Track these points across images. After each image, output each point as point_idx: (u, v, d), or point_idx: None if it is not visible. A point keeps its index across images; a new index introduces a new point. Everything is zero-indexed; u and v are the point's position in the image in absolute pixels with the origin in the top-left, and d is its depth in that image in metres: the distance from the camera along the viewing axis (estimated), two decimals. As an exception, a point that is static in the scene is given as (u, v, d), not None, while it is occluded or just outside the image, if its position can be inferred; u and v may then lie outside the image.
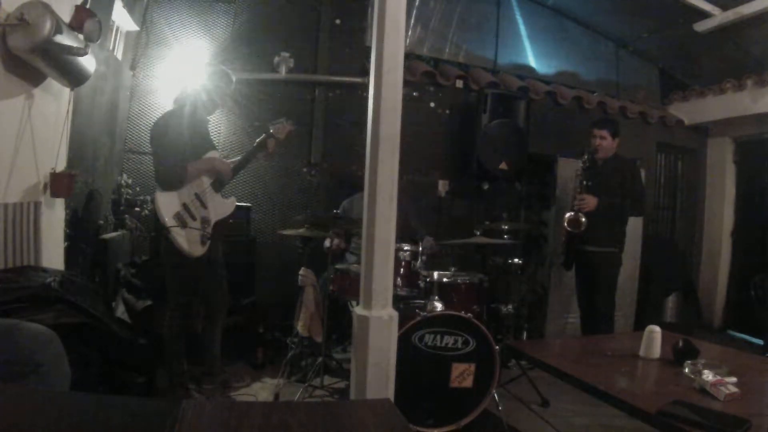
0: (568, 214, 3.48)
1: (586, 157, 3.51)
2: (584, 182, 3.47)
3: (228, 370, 3.17)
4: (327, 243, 3.26)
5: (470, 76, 4.56)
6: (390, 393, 2.14)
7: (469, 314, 2.62)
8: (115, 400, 1.35)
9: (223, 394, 2.88)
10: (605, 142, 3.53)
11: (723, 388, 1.74)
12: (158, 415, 1.09)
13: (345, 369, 3.17)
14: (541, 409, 2.97)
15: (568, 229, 3.47)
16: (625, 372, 2.13)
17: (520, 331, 4.01)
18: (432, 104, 4.51)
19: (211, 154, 2.84)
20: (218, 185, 2.81)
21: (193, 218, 2.63)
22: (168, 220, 2.54)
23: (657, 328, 2.26)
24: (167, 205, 2.58)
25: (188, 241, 2.59)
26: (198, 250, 2.62)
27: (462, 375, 2.58)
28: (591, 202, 3.41)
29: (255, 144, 2.92)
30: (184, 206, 2.63)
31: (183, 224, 2.58)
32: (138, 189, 3.75)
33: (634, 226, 4.26)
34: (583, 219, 3.39)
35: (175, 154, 2.60)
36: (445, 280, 2.92)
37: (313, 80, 4.18)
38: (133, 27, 3.69)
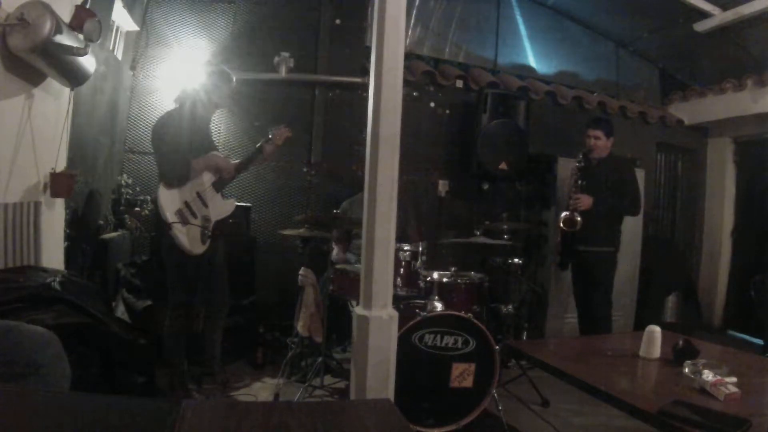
0: (563, 214, 3.49)
1: (581, 156, 3.52)
2: (579, 182, 3.48)
3: (228, 370, 3.17)
4: (334, 255, 3.34)
5: (470, 76, 4.56)
6: (390, 393, 2.14)
7: (469, 314, 2.62)
8: (115, 400, 1.35)
9: (223, 394, 2.88)
10: (600, 142, 3.53)
11: (723, 388, 1.74)
12: (158, 415, 1.09)
13: (345, 369, 3.17)
14: (541, 409, 2.97)
15: (564, 228, 3.47)
16: (625, 372, 2.13)
17: (520, 331, 4.01)
18: (432, 104, 4.51)
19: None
20: (219, 185, 2.81)
21: (195, 216, 2.64)
22: (170, 216, 2.55)
23: (657, 328, 2.26)
24: (169, 202, 2.59)
25: (189, 239, 2.59)
26: (199, 247, 2.63)
27: (462, 375, 2.58)
28: (586, 201, 3.42)
29: (255, 148, 2.92)
30: (186, 204, 2.64)
31: (184, 221, 2.58)
32: (138, 189, 3.75)
33: (634, 226, 4.26)
34: (579, 218, 3.40)
35: (178, 151, 2.60)
36: (445, 280, 2.92)
37: (313, 80, 4.18)
38: (133, 27, 3.69)
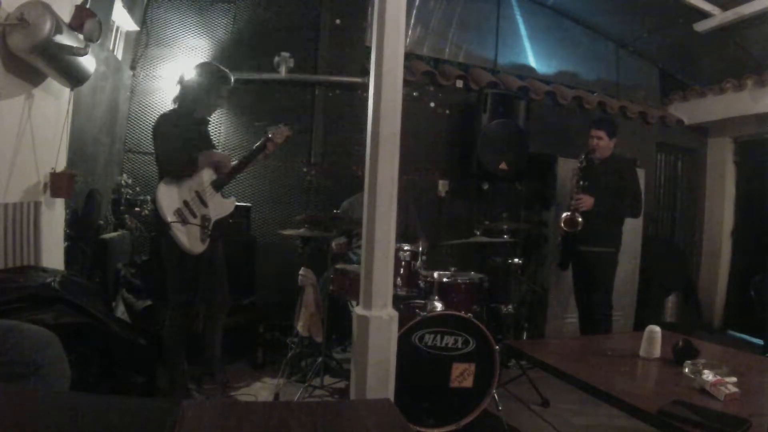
0: (564, 214, 3.49)
1: (583, 156, 3.52)
2: (581, 182, 3.47)
3: (228, 370, 3.17)
4: (334, 245, 3.33)
5: (470, 76, 4.56)
6: (390, 393, 2.14)
7: (469, 314, 2.62)
8: (115, 400, 1.35)
9: (223, 394, 2.88)
10: (602, 142, 3.53)
11: (723, 388, 1.74)
12: (158, 415, 1.09)
13: (345, 369, 3.17)
14: (541, 409, 2.97)
15: (565, 229, 3.47)
16: (625, 372, 2.13)
17: (520, 331, 4.01)
18: (432, 104, 4.51)
19: None
20: (219, 184, 2.81)
21: (194, 215, 2.64)
22: (169, 216, 2.55)
23: (657, 328, 2.26)
24: (168, 201, 2.59)
25: (189, 238, 2.59)
26: (198, 247, 2.63)
27: (462, 375, 2.58)
28: (587, 201, 3.42)
29: (254, 147, 2.92)
30: (185, 203, 2.63)
31: (183, 221, 2.58)
32: (138, 189, 3.75)
33: (634, 226, 4.25)
34: (580, 219, 3.39)
35: (179, 145, 2.60)
36: (445, 280, 2.91)
37: (313, 80, 4.18)
38: (133, 27, 3.70)
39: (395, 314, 2.18)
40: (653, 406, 1.62)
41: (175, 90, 2.82)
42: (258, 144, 2.91)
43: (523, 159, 4.27)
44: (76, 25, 2.36)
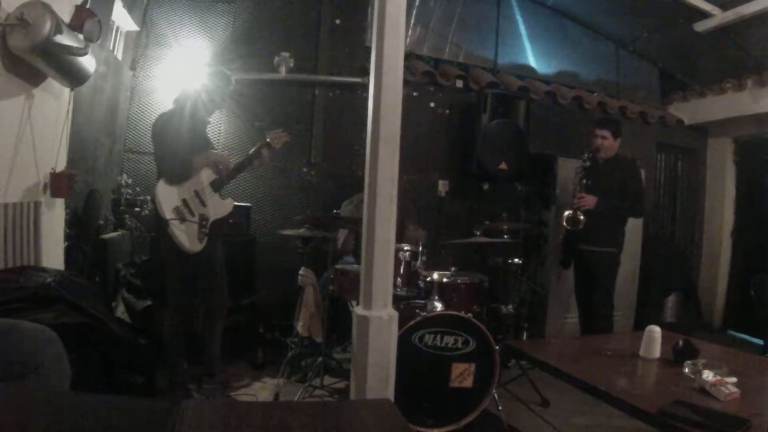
0: (566, 213, 3.48)
1: (586, 156, 3.51)
2: (584, 181, 3.47)
3: (228, 370, 3.17)
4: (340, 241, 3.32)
5: (470, 76, 4.56)
6: (390, 393, 2.14)
7: (469, 314, 2.62)
8: (115, 400, 1.35)
9: (223, 394, 2.88)
10: (607, 142, 3.52)
11: (723, 388, 1.74)
12: (158, 415, 1.09)
13: (345, 369, 3.17)
14: (541, 409, 2.97)
15: (567, 227, 3.47)
16: (625, 372, 2.13)
17: (520, 331, 4.01)
18: (432, 104, 4.51)
19: None
20: (218, 184, 2.81)
21: (192, 214, 2.64)
22: (167, 213, 2.55)
23: (657, 328, 2.26)
24: (167, 198, 2.59)
25: (187, 236, 2.59)
26: (196, 246, 2.63)
27: (462, 375, 2.58)
28: (590, 201, 3.41)
29: (251, 151, 2.91)
30: (184, 201, 2.64)
31: (182, 219, 2.59)
32: (138, 189, 3.75)
33: (634, 226, 4.25)
34: (582, 217, 3.39)
35: (178, 148, 2.61)
36: (445, 280, 2.92)
37: (313, 80, 4.18)
38: (133, 27, 3.69)
39: (395, 314, 2.18)
40: (653, 406, 1.62)
41: (176, 90, 2.83)
42: (255, 148, 2.90)
43: (523, 159, 4.27)
44: (76, 25, 2.36)
